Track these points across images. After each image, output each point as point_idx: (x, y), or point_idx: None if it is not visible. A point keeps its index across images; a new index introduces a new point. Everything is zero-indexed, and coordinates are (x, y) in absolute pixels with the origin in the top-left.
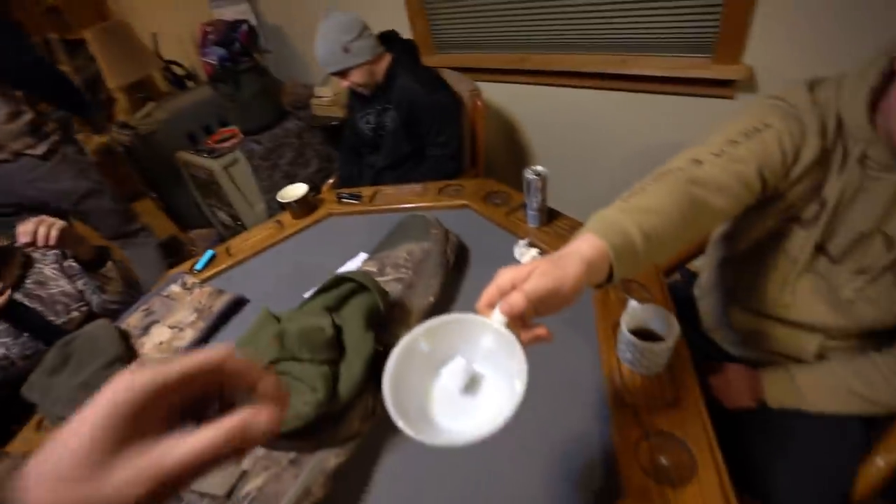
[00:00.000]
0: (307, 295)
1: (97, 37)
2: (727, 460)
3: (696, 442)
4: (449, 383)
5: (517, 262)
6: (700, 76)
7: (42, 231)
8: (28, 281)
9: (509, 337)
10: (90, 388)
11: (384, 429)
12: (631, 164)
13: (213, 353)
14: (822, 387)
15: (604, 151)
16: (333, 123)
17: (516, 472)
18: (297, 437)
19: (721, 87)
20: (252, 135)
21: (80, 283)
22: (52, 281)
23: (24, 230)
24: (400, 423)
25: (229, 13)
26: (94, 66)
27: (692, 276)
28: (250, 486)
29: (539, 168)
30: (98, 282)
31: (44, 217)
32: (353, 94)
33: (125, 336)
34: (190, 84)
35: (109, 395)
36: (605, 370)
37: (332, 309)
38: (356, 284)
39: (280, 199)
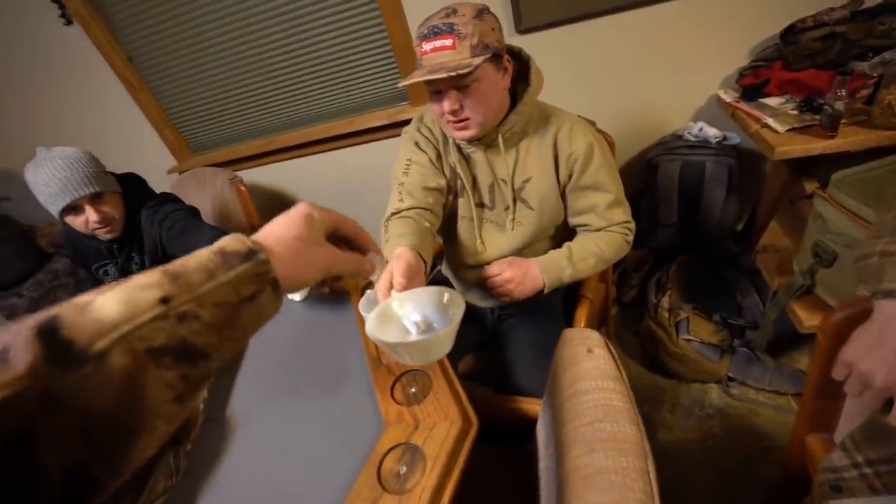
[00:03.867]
0: None
1: None
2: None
3: (432, 368)
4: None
5: (290, 300)
6: (406, 118)
7: None
8: None
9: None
10: None
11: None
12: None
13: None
14: (574, 257)
15: (360, 196)
16: None
17: (309, 436)
18: None
19: None
20: (8, 289)
21: None
22: None
23: None
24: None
25: None
26: None
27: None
28: None
29: None
30: None
31: None
32: (76, 247)
33: None
34: None
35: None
36: (366, 352)
37: None
38: None
39: None
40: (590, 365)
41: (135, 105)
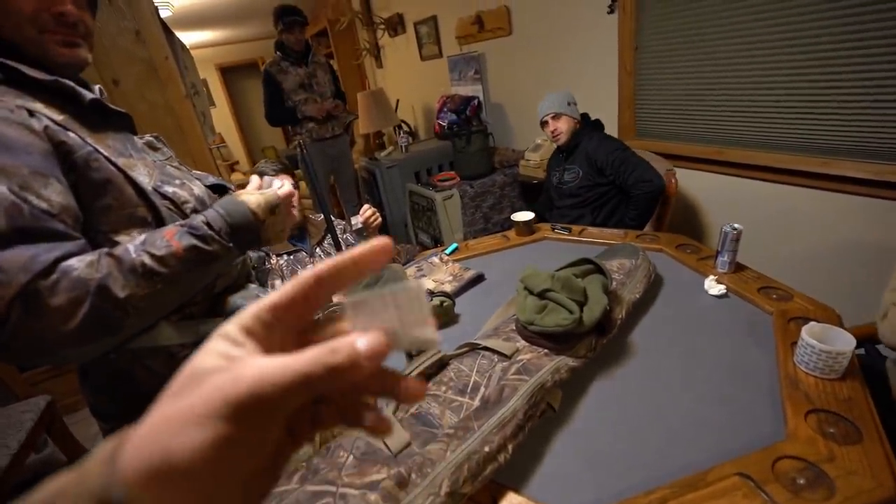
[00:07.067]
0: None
1: (363, 98)
2: None
3: (864, 423)
4: None
5: (706, 292)
6: None
7: (373, 219)
8: (325, 243)
9: None
10: None
11: (598, 362)
12: (817, 261)
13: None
14: None
15: (790, 243)
16: (533, 182)
17: (702, 414)
18: (552, 340)
19: None
20: (468, 180)
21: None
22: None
23: (365, 211)
24: None
25: (464, 90)
26: (348, 117)
27: (879, 354)
28: (522, 356)
29: (736, 224)
30: None
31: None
32: (552, 156)
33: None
34: (410, 140)
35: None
36: (781, 370)
37: (578, 276)
38: (594, 266)
39: (513, 219)
40: None
41: (616, 83)
